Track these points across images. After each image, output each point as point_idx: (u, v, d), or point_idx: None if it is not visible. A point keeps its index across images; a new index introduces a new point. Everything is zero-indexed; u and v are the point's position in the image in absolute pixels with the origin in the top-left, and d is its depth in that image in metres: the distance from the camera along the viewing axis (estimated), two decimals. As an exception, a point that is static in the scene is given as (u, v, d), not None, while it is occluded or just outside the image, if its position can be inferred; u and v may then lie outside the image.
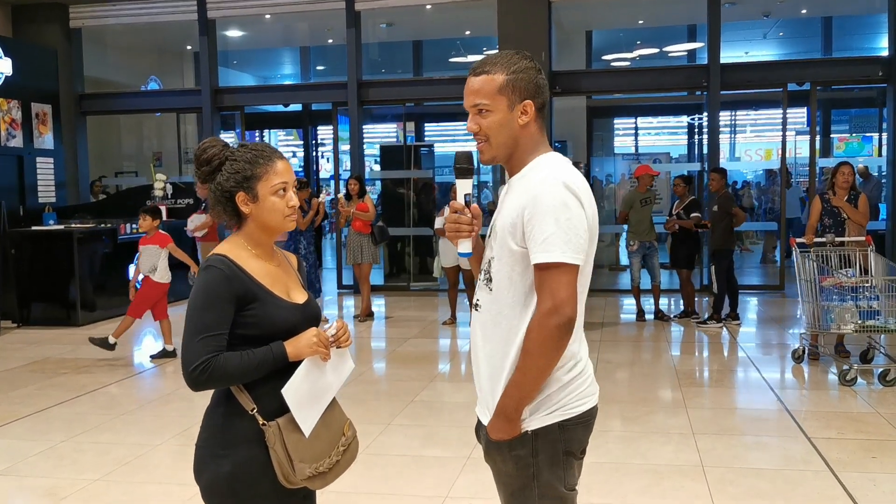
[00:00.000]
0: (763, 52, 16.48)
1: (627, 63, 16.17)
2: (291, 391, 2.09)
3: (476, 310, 2.11)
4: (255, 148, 2.19)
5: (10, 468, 4.59)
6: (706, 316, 8.68)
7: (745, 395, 6.22)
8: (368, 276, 9.22)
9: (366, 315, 9.15)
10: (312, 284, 8.79)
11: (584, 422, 2.02)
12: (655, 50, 15.65)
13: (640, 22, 14.09)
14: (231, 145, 2.23)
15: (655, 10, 13.12)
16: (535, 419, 1.98)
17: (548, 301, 1.89)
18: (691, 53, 15.16)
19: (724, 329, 8.37)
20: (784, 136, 11.11)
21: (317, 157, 19.64)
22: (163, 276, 7.29)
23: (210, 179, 2.18)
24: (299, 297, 2.24)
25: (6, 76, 10.67)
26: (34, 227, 9.89)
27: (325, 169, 20.18)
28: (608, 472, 4.26)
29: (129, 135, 15.60)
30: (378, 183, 13.85)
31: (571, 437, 2.00)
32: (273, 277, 2.18)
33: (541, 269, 1.90)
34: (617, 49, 15.94)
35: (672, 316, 9.02)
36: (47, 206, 11.09)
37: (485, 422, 2.07)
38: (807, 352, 6.84)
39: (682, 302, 9.14)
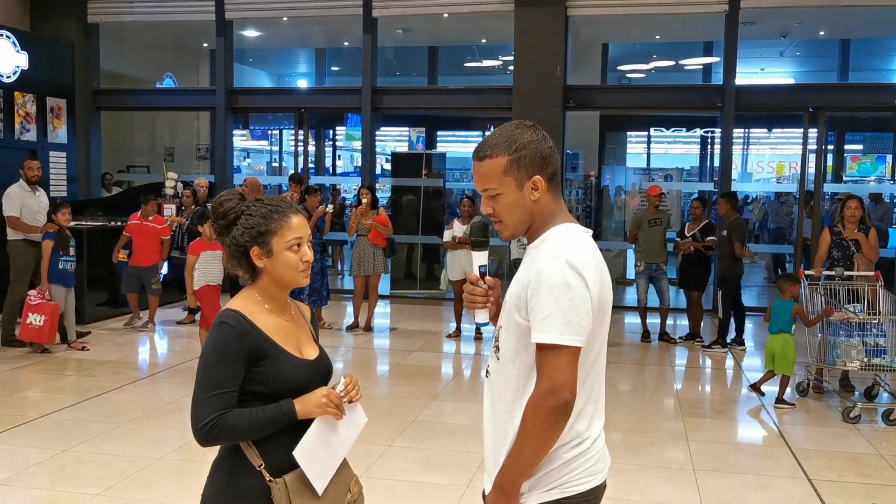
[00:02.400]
0: (779, 70, 16.44)
1: (643, 75, 16.15)
2: (303, 452, 2.10)
3: (487, 377, 2.11)
4: (271, 203, 2.20)
5: (12, 478, 4.61)
6: (710, 341, 8.65)
7: (747, 429, 6.21)
8: (377, 286, 9.22)
9: (368, 327, 9.12)
10: (319, 292, 8.78)
11: (587, 501, 2.00)
12: (671, 63, 15.62)
13: (657, 37, 14.06)
14: (247, 198, 2.23)
15: (673, 26, 13.07)
16: (533, 495, 1.97)
17: (545, 383, 1.88)
18: (707, 68, 15.14)
19: (730, 355, 8.35)
20: (804, 159, 11.00)
21: (329, 156, 19.63)
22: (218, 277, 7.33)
23: (226, 233, 2.19)
24: (311, 352, 2.25)
25: (22, 70, 10.70)
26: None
27: (338, 166, 20.26)
28: (606, 509, 4.25)
29: (143, 129, 15.64)
30: (388, 188, 13.84)
31: None
32: (285, 333, 2.19)
33: (540, 348, 1.89)
34: (633, 61, 15.92)
35: (677, 338, 8.99)
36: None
37: (487, 491, 2.07)
38: (811, 385, 6.82)
39: (688, 324, 9.12)
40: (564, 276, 1.88)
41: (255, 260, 2.17)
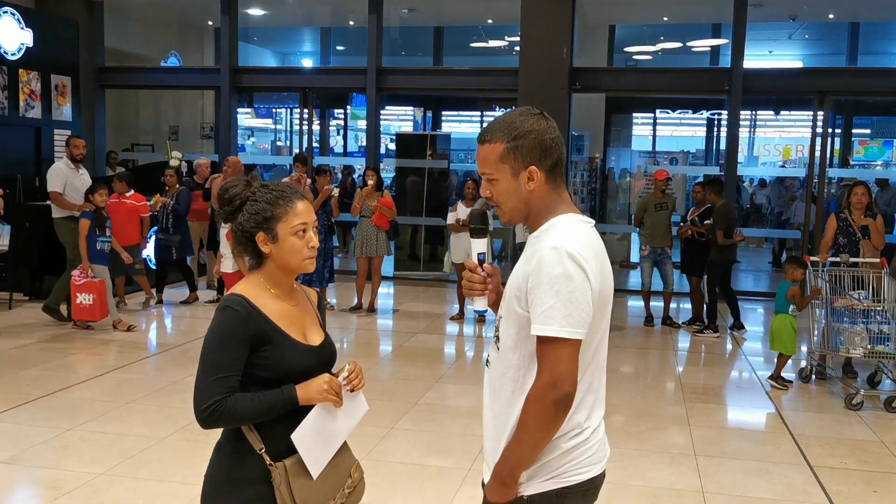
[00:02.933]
0: (787, 52, 16.33)
1: (649, 57, 16.04)
2: (301, 437, 2.12)
3: (487, 366, 2.11)
4: (276, 188, 2.20)
5: (16, 456, 4.64)
6: (702, 326, 8.64)
7: (749, 415, 6.22)
8: (380, 268, 9.22)
9: (371, 309, 9.14)
10: (320, 273, 8.77)
11: (585, 490, 2.01)
12: (678, 44, 15.51)
13: (665, 19, 13.97)
14: (254, 183, 2.23)
15: (681, 7, 13.00)
16: (531, 485, 1.97)
17: (546, 375, 1.88)
18: (714, 50, 15.03)
19: (729, 339, 8.36)
20: (813, 143, 10.94)
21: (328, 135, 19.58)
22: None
23: (232, 219, 2.20)
24: (315, 337, 2.26)
25: (27, 47, 10.66)
26: (49, 202, 9.92)
27: (341, 144, 20.22)
28: (606, 494, 4.21)
29: (147, 107, 15.60)
30: (392, 168, 13.81)
31: None
32: (290, 318, 2.20)
33: (540, 341, 1.89)
34: (640, 43, 15.81)
35: (681, 323, 8.99)
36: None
37: (486, 481, 2.07)
38: (814, 371, 6.82)
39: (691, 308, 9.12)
40: (565, 268, 1.87)
41: (261, 245, 2.17)
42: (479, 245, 2.20)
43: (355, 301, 9.25)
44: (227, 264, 7.64)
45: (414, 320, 8.97)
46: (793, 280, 6.57)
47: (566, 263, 1.87)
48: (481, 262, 2.18)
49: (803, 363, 7.01)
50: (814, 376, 6.81)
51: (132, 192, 8.72)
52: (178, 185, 9.41)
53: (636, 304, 9.74)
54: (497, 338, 2.06)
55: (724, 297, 8.50)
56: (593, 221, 2.07)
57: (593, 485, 2.03)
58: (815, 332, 6.67)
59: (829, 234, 7.07)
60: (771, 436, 5.57)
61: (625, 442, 5.17)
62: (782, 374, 6.65)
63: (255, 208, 2.16)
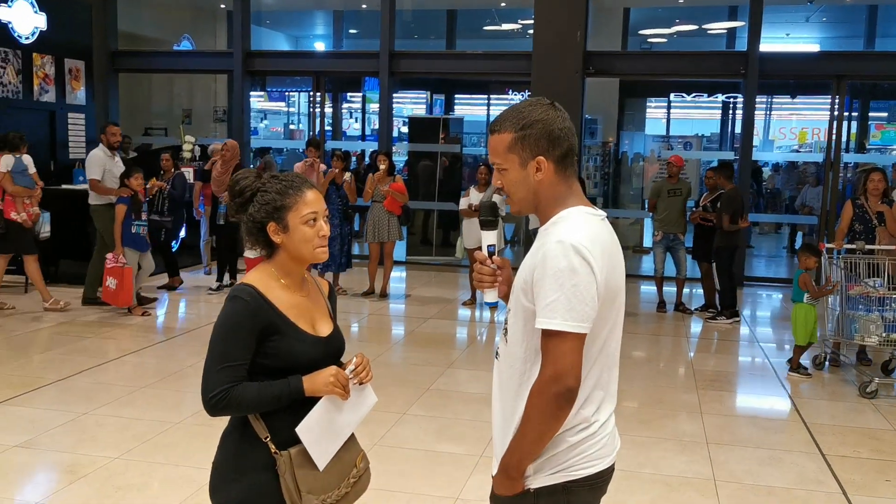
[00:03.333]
0: (805, 35, 16.14)
1: (664, 40, 15.90)
2: (306, 429, 2.13)
3: (496, 358, 2.12)
4: (286, 178, 2.22)
5: (33, 440, 4.69)
6: (714, 313, 8.59)
7: (762, 402, 6.21)
8: (392, 253, 9.23)
9: (383, 294, 9.15)
10: (336, 258, 8.78)
11: (592, 484, 2.00)
12: (694, 27, 15.36)
13: (680, 1, 13.83)
14: (264, 174, 2.24)
15: (697, -10, 12.88)
16: (538, 478, 1.98)
17: (549, 369, 1.87)
18: (731, 32, 14.88)
19: (745, 325, 8.32)
20: (831, 128, 10.82)
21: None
22: None
23: (243, 210, 2.22)
24: (325, 328, 2.27)
25: (41, 31, 10.68)
26: (64, 186, 9.98)
27: (354, 128, 20.19)
28: (617, 481, 4.22)
29: (160, 91, 15.61)
30: (405, 152, 13.77)
31: (576, 499, 1.99)
32: (299, 309, 2.21)
33: (544, 334, 1.89)
34: (654, 25, 15.67)
35: (693, 309, 8.97)
36: (77, 162, 11.16)
37: (494, 472, 2.08)
38: (828, 358, 6.79)
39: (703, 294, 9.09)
40: (569, 262, 1.86)
41: (272, 235, 2.19)
42: (489, 237, 2.20)
43: (367, 286, 9.26)
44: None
45: (426, 305, 8.99)
46: (806, 268, 6.53)
47: (571, 257, 1.86)
48: (491, 253, 2.18)
49: (817, 351, 6.98)
50: (828, 363, 6.78)
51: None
52: (173, 170, 9.40)
53: (649, 289, 9.71)
54: (506, 330, 2.06)
55: (721, 281, 8.40)
56: (604, 214, 2.05)
57: (601, 478, 2.02)
58: (830, 320, 6.64)
59: (844, 220, 7.02)
60: (783, 424, 5.56)
61: (636, 429, 5.17)
62: (801, 363, 6.61)
63: (266, 199, 2.18)
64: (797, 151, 19.60)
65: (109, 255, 7.73)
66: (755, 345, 7.78)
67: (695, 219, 8.77)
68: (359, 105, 20.05)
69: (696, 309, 8.97)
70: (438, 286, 10.27)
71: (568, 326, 1.85)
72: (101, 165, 8.16)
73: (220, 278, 9.23)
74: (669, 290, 9.06)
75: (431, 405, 5.55)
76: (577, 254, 1.86)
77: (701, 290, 9.28)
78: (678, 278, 8.96)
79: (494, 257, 2.19)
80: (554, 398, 1.86)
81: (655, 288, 9.09)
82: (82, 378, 5.91)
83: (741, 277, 10.24)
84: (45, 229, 8.34)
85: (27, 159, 7.93)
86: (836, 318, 6.53)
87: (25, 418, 5.06)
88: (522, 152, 1.98)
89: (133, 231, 7.79)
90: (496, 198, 7.11)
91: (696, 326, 8.38)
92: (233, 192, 2.22)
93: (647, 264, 11.38)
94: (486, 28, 15.81)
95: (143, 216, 7.94)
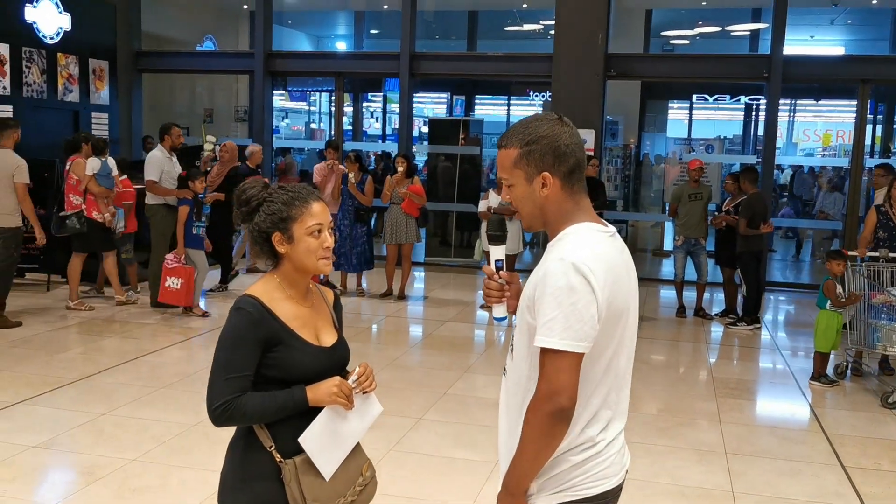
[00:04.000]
0: (829, 38, 15.96)
1: (687, 42, 15.79)
2: (310, 439, 2.15)
3: (504, 375, 2.11)
4: (293, 189, 2.24)
5: (52, 440, 4.74)
6: (736, 318, 8.51)
7: (782, 412, 6.15)
8: (410, 255, 9.24)
9: (401, 295, 9.16)
10: (347, 257, 8.84)
11: None
12: (717, 29, 15.24)
13: (703, 3, 13.73)
14: (271, 185, 2.26)
15: (720, -9, 12.78)
16: (541, 497, 1.97)
17: (543, 387, 1.86)
18: (754, 34, 14.74)
19: (766, 331, 8.24)
20: (857, 134, 10.69)
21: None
22: None
23: (249, 219, 2.24)
24: (329, 339, 2.29)
25: (65, 31, 10.79)
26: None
27: (375, 127, 20.23)
28: (633, 491, 4.24)
29: (183, 90, 15.72)
30: (424, 153, 13.77)
31: None
32: (303, 320, 2.23)
33: (541, 352, 1.87)
34: (677, 27, 15.57)
35: (713, 315, 8.89)
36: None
37: (498, 490, 2.07)
38: (850, 367, 6.71)
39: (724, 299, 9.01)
40: (568, 280, 1.84)
41: (277, 246, 2.21)
42: (498, 251, 2.20)
43: (385, 287, 9.28)
44: None
45: (444, 308, 8.98)
46: (833, 275, 6.45)
47: (570, 275, 1.84)
48: (499, 268, 2.18)
49: (839, 359, 6.90)
50: (849, 373, 6.70)
51: (124, 176, 8.67)
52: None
53: (669, 293, 9.64)
54: (512, 346, 2.05)
55: (748, 286, 8.32)
56: (614, 230, 2.03)
57: (605, 499, 2.00)
58: (849, 327, 6.56)
59: (868, 228, 6.93)
60: (803, 434, 5.50)
61: (653, 437, 5.13)
62: (825, 372, 6.52)
63: (272, 209, 2.20)
64: (822, 156, 19.39)
65: (170, 256, 7.85)
66: (776, 352, 7.71)
67: (718, 223, 8.71)
68: (380, 105, 20.09)
69: (716, 314, 8.90)
70: (457, 288, 10.26)
71: (564, 345, 1.83)
72: (160, 167, 8.31)
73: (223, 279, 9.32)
74: (690, 294, 8.99)
75: (447, 410, 5.54)
76: (576, 272, 1.84)
77: (722, 296, 9.21)
78: (699, 283, 8.89)
79: (502, 272, 2.18)
80: (547, 416, 1.84)
81: (676, 292, 9.03)
82: (103, 378, 5.96)
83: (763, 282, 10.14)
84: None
85: (111, 162, 8.24)
86: (859, 327, 6.45)
87: (47, 418, 5.11)
88: (528, 168, 1.97)
89: (194, 232, 7.97)
90: None
91: (716, 332, 8.31)
92: (239, 201, 2.24)
93: (668, 268, 11.31)
94: (507, 29, 15.78)
95: (204, 218, 8.16)
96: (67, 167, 8.25)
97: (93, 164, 8.03)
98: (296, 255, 2.20)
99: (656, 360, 7.21)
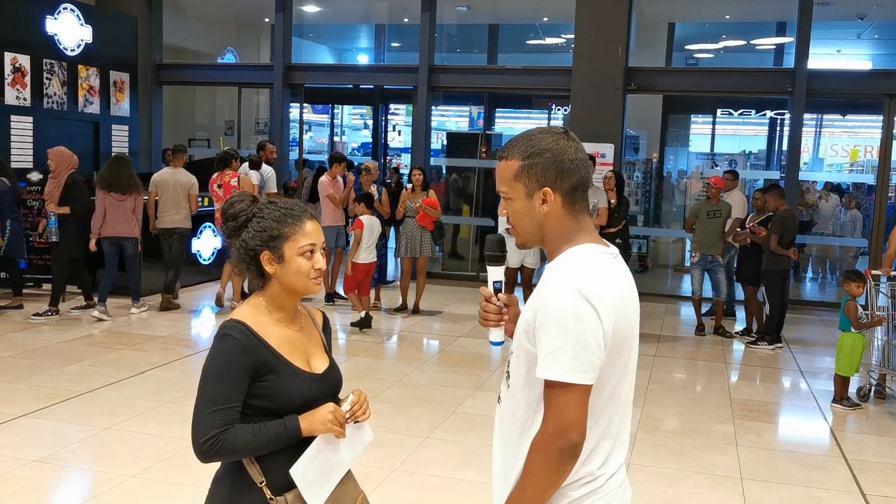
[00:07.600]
0: (856, 52, 15.71)
1: (711, 55, 15.60)
2: (301, 471, 2.03)
3: (498, 403, 2.00)
4: (285, 206, 2.11)
5: (52, 455, 4.68)
6: (756, 337, 8.31)
7: (801, 436, 5.97)
8: (425, 268, 9.15)
9: (416, 309, 9.08)
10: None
11: None
12: (741, 42, 15.05)
13: (727, 17, 13.57)
14: (260, 199, 2.16)
15: (743, 5, 12.60)
16: None
17: (551, 422, 1.74)
18: (779, 48, 14.53)
19: (788, 351, 8.04)
20: (882, 150, 10.47)
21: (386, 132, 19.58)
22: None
23: (235, 236, 2.11)
24: (320, 364, 2.17)
25: (86, 43, 10.87)
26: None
27: (397, 140, 20.22)
28: (645, 518, 4.12)
29: (203, 103, 15.80)
30: (443, 168, 13.70)
31: None
32: (293, 345, 2.10)
33: (547, 385, 1.76)
34: (700, 41, 15.40)
35: (733, 333, 8.70)
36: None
37: None
38: (872, 390, 6.51)
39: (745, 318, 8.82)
40: (575, 307, 1.72)
41: (266, 265, 2.08)
42: (496, 273, 2.06)
43: (400, 301, 9.19)
44: (361, 255, 8.18)
45: (458, 323, 8.87)
46: (852, 295, 6.26)
47: (576, 302, 1.73)
48: (497, 290, 2.06)
49: (861, 382, 6.70)
50: (872, 395, 6.50)
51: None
52: None
53: (689, 311, 9.46)
54: (508, 374, 1.94)
55: (772, 305, 8.11)
56: (616, 251, 1.92)
57: None
58: (875, 350, 6.37)
59: (892, 246, 6.74)
60: (824, 460, 5.32)
61: (666, 461, 4.98)
62: (847, 395, 6.32)
63: (262, 226, 2.07)
64: (849, 172, 19.07)
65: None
66: (797, 373, 7.50)
67: (742, 240, 8.52)
68: (402, 118, 20.08)
69: (736, 333, 8.71)
70: (472, 303, 10.13)
71: (572, 378, 1.72)
72: (256, 184, 8.77)
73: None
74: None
75: (456, 429, 5.41)
76: (582, 298, 1.73)
77: (743, 314, 9.02)
78: (717, 300, 8.72)
79: (501, 294, 2.07)
80: (557, 454, 1.73)
81: (694, 310, 8.85)
82: (109, 391, 5.91)
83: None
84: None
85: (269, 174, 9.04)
86: (882, 348, 6.26)
87: (49, 431, 5.06)
88: (528, 182, 1.86)
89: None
90: None
91: (735, 351, 8.12)
92: (226, 215, 2.10)
93: (687, 285, 11.13)
94: (528, 42, 15.70)
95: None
96: (229, 181, 8.49)
97: (255, 177, 8.71)
98: (285, 275, 2.07)
99: (673, 379, 7.04)
